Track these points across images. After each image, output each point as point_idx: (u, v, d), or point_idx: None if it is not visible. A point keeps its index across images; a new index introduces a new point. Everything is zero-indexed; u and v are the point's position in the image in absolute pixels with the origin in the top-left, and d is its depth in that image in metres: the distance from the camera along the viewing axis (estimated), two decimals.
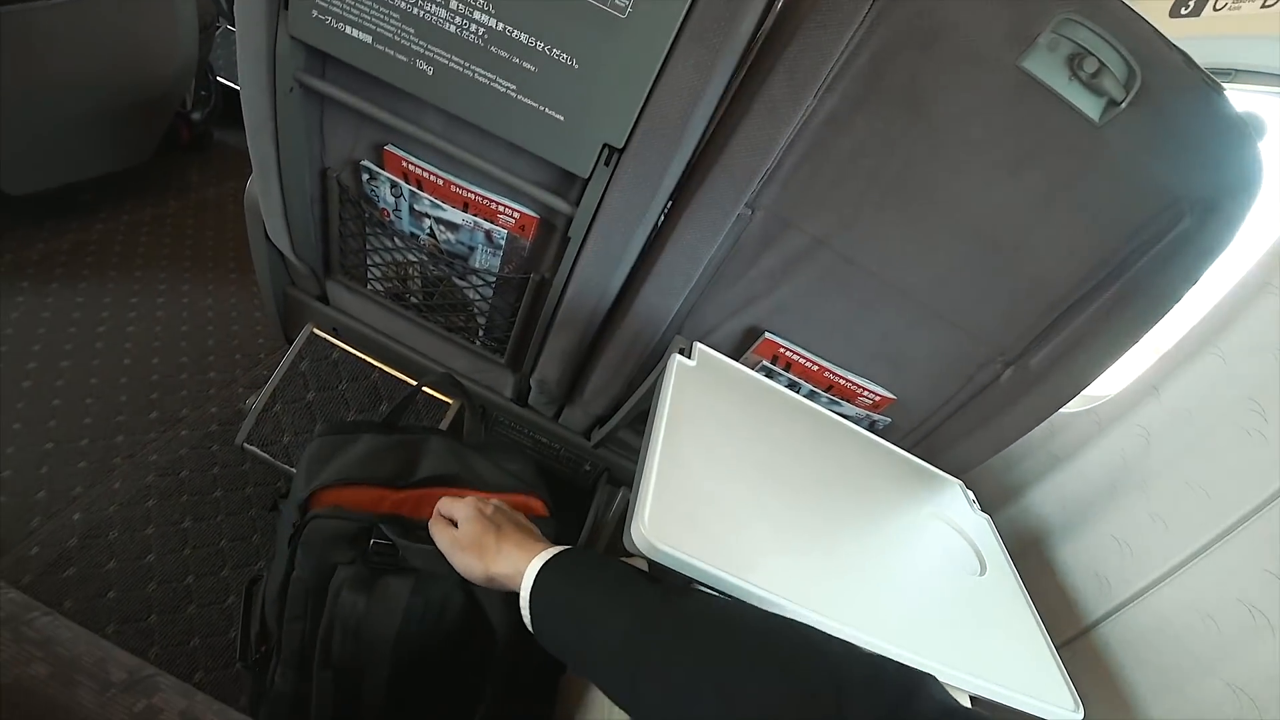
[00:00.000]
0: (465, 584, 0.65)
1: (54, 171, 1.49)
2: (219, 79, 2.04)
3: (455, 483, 0.76)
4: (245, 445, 1.05)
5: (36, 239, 1.49)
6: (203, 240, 1.75)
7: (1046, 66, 0.65)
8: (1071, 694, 0.59)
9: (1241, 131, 0.67)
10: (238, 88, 2.12)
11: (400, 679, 0.66)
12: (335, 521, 0.66)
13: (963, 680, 0.56)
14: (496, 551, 0.56)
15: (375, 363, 1.11)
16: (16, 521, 1.02)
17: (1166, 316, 0.74)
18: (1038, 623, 0.68)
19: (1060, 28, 0.63)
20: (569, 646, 0.50)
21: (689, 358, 0.74)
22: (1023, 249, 0.75)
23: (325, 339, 1.11)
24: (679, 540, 0.48)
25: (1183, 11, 1.05)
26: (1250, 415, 0.72)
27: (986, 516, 0.83)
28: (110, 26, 1.39)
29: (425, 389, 0.93)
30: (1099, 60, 0.64)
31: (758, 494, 0.61)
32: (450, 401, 1.07)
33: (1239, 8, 0.95)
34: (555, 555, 0.53)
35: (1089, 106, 0.66)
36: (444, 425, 1.07)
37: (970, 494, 0.86)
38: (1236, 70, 0.97)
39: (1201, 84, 0.65)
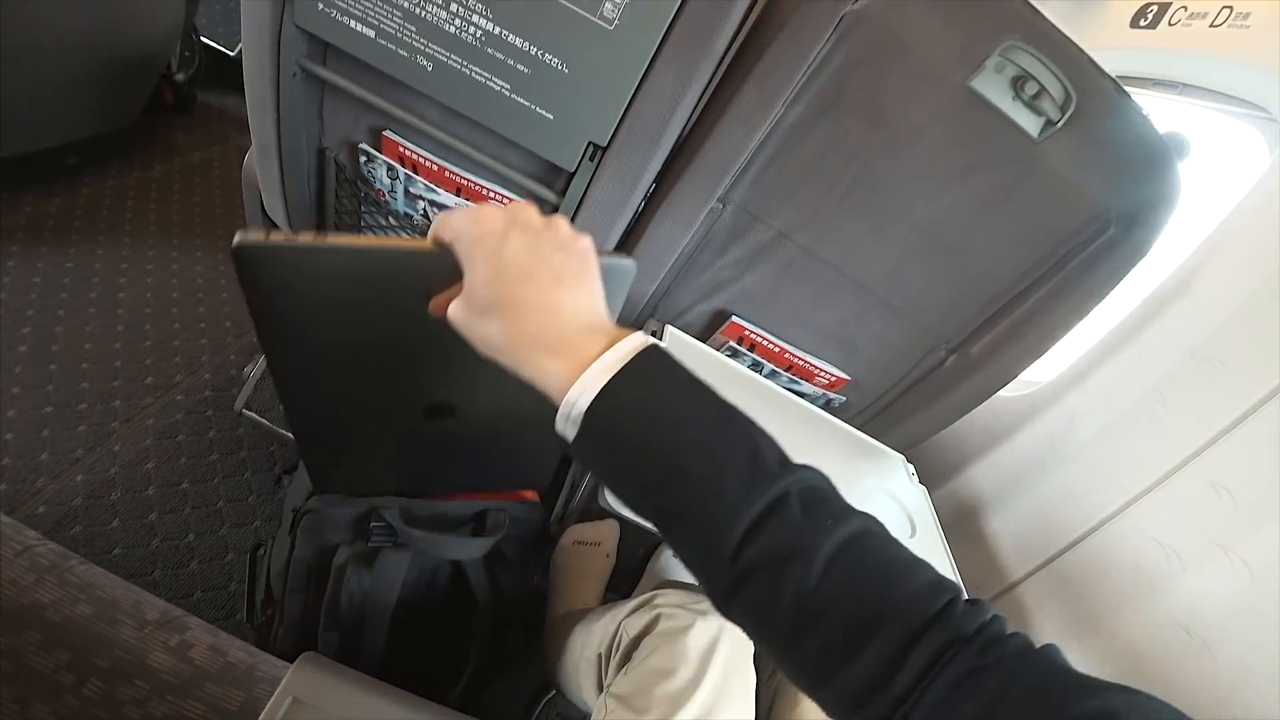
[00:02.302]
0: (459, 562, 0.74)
1: (40, 134, 1.51)
2: (203, 39, 2.03)
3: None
4: (244, 411, 1.11)
5: (23, 202, 1.51)
6: (189, 204, 1.77)
7: (993, 87, 0.72)
8: None
9: (1163, 152, 0.76)
10: (222, 49, 2.12)
11: (395, 642, 0.74)
12: (331, 510, 0.72)
13: None
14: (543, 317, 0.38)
15: None
16: (22, 482, 1.08)
17: (1093, 313, 0.84)
18: (956, 579, 0.78)
19: (1006, 53, 0.71)
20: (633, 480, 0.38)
21: (660, 339, 0.82)
22: (967, 248, 0.83)
23: None
24: None
25: (1141, 23, 1.12)
26: (1155, 405, 0.82)
27: (923, 488, 0.93)
28: None
29: None
30: (1039, 84, 0.72)
31: None
32: None
33: (1190, 24, 1.02)
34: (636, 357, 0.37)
35: (1029, 124, 0.74)
36: None
37: (911, 468, 0.96)
38: (1184, 84, 1.05)
39: (1129, 109, 0.73)
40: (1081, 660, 0.81)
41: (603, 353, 0.37)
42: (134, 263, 1.52)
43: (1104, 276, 0.81)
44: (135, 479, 1.14)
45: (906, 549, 0.36)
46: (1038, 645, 0.33)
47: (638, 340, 0.38)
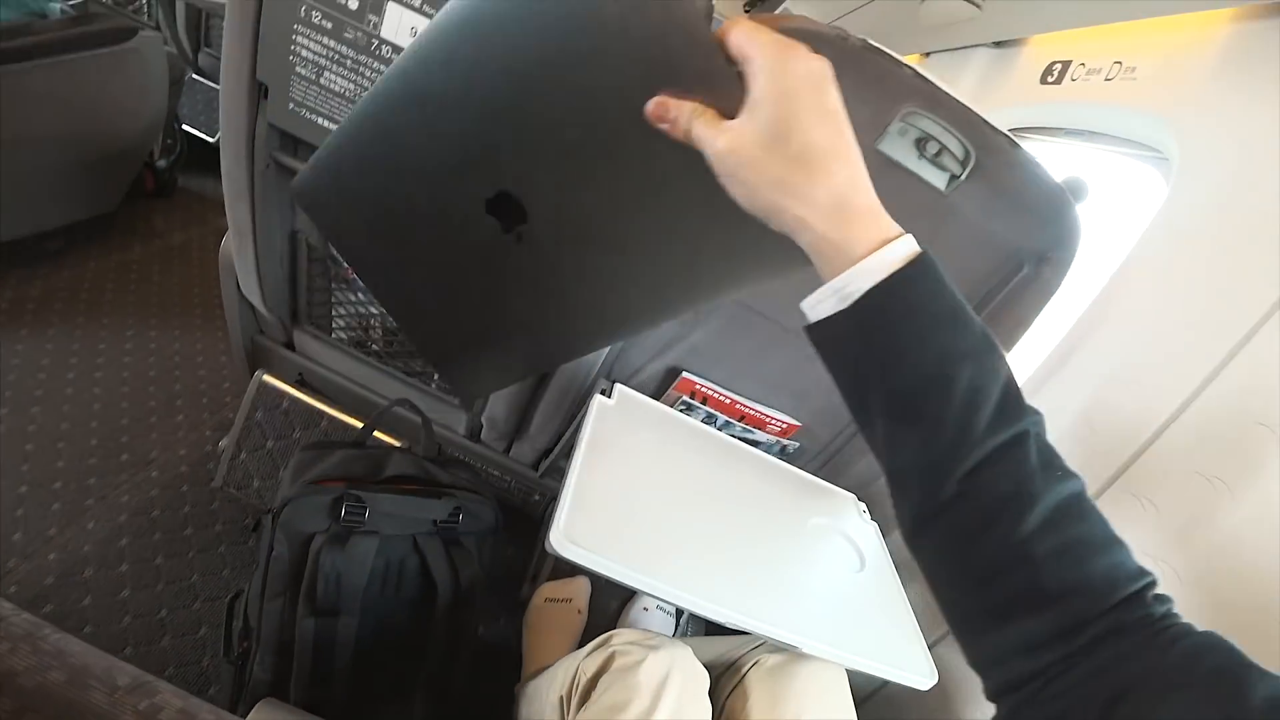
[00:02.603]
0: (419, 548, 0.86)
1: (26, 220, 1.59)
2: (184, 127, 2.16)
3: (415, 481, 0.93)
4: (221, 486, 1.15)
5: (6, 286, 1.58)
6: (168, 286, 1.84)
7: (899, 148, 0.81)
8: (929, 663, 0.73)
9: (1061, 195, 0.84)
10: (203, 135, 2.24)
11: (366, 634, 0.82)
12: (310, 498, 0.82)
13: (834, 654, 0.69)
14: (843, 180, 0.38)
15: (324, 408, 1.20)
16: None
17: (1021, 346, 0.91)
18: (906, 608, 0.82)
19: (907, 118, 0.79)
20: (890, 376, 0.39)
21: (609, 397, 0.88)
22: None
23: (274, 386, 1.20)
24: (591, 544, 0.61)
25: (1049, 80, 1.25)
26: (1083, 428, 0.88)
27: (874, 525, 0.98)
28: (87, 85, 1.51)
29: (375, 433, 1.06)
30: (940, 143, 0.81)
31: (664, 507, 0.75)
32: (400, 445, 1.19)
33: (1089, 79, 1.15)
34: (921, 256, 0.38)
35: (936, 179, 0.83)
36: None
37: (862, 505, 1.01)
38: (1091, 132, 1.17)
39: (1025, 160, 0.82)
40: None
41: (899, 237, 0.38)
42: (112, 343, 1.58)
43: (1023, 312, 0.88)
44: (109, 556, 1.17)
45: (1111, 526, 0.37)
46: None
47: (914, 242, 0.39)
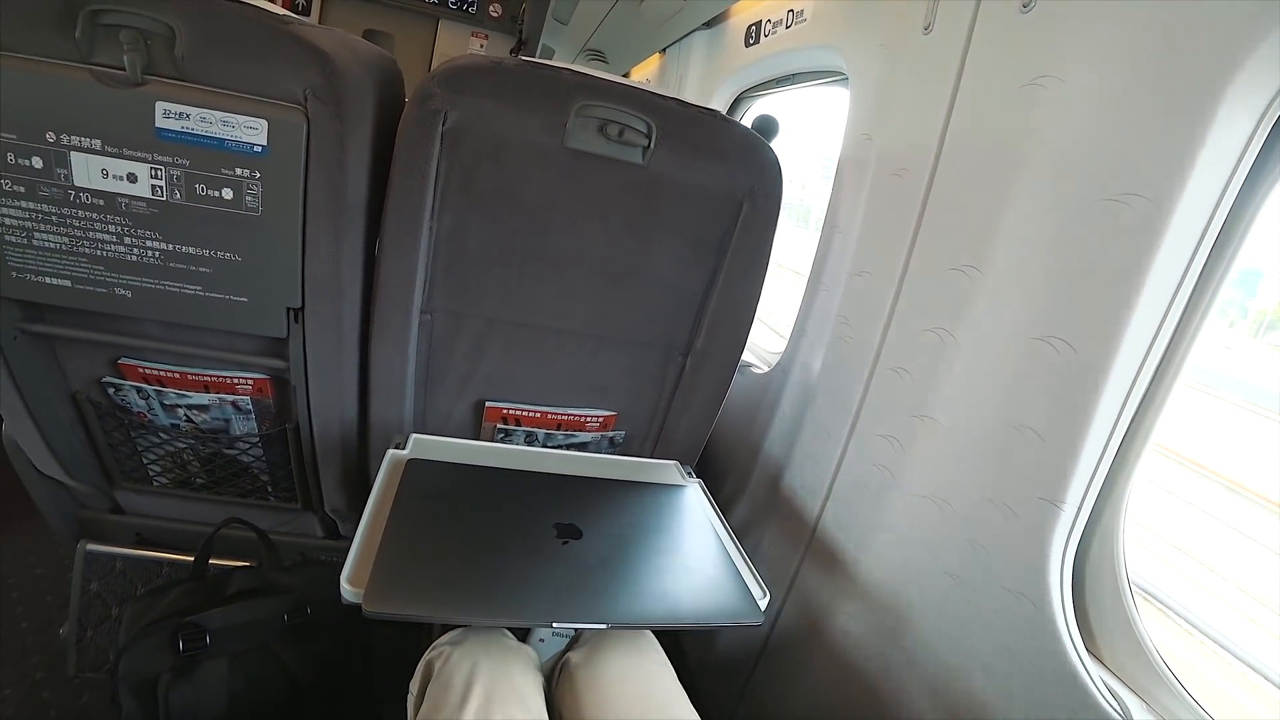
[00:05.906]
0: (276, 654, 0.90)
1: None
2: None
3: (257, 594, 0.97)
4: (79, 675, 1.15)
5: None
6: None
7: (586, 140, 0.93)
8: (754, 603, 0.77)
9: (750, 137, 0.99)
10: None
11: None
12: (143, 642, 0.84)
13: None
14: None
15: (162, 555, 1.22)
16: None
17: (766, 277, 1.04)
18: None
19: (581, 112, 0.92)
20: None
21: (403, 449, 0.95)
22: (643, 269, 1.01)
23: (102, 551, 1.20)
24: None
25: (750, 42, 1.45)
26: (843, 326, 1.02)
27: (698, 481, 1.05)
28: None
29: (213, 560, 1.09)
30: (620, 124, 0.94)
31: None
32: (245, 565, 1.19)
33: (775, 32, 1.34)
34: None
35: (632, 155, 0.95)
36: None
37: (687, 468, 1.09)
38: (795, 75, 1.36)
39: (700, 114, 0.97)
40: (880, 555, 0.95)
41: None
42: None
43: (757, 242, 1.01)
44: None
45: None
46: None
47: None
